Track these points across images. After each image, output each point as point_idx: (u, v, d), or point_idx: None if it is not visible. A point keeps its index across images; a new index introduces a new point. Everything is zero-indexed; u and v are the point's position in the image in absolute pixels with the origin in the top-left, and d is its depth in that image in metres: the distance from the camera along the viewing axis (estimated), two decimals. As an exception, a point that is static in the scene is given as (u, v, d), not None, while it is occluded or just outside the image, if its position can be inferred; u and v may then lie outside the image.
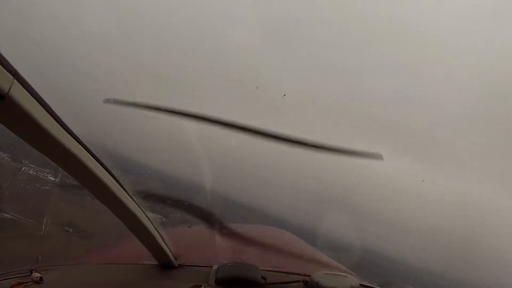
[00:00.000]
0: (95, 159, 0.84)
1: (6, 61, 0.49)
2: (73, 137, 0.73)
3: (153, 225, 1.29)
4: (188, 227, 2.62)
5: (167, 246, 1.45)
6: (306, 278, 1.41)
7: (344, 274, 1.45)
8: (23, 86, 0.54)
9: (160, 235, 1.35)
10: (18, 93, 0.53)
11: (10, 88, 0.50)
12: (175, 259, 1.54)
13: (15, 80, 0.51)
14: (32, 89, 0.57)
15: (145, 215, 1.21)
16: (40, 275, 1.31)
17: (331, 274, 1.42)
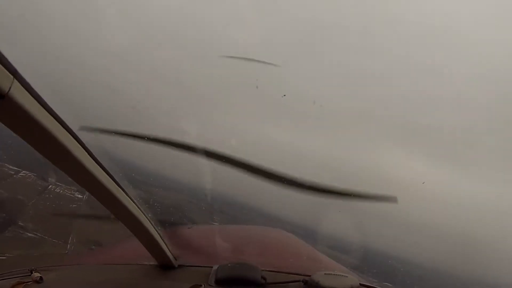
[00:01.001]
0: (94, 160, 0.84)
1: (6, 60, 0.49)
2: (72, 137, 0.73)
3: (153, 226, 1.29)
4: (188, 228, 2.62)
5: (167, 247, 1.45)
6: (306, 278, 1.41)
7: (344, 274, 1.45)
8: (23, 86, 0.54)
9: (159, 235, 1.35)
10: (18, 93, 0.53)
11: (10, 87, 0.50)
12: (175, 259, 1.54)
13: (15, 80, 0.51)
14: (32, 89, 0.57)
15: (145, 215, 1.21)
16: (40, 275, 1.31)
17: (331, 274, 1.42)
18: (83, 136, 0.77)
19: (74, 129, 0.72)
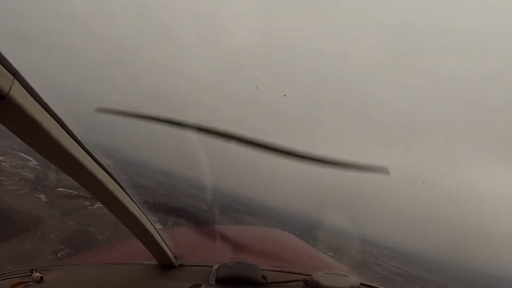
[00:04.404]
0: (94, 160, 0.84)
1: (6, 61, 0.49)
2: (72, 137, 0.73)
3: (153, 225, 1.29)
4: (189, 227, 2.62)
5: (167, 246, 1.46)
6: (307, 278, 1.41)
7: (344, 273, 1.45)
8: (23, 86, 0.54)
9: (160, 235, 1.35)
10: (18, 93, 0.53)
11: (10, 88, 0.50)
12: (176, 259, 1.54)
13: (15, 80, 0.51)
14: (32, 89, 0.57)
15: (145, 215, 1.21)
16: (40, 275, 1.31)
17: (331, 273, 1.42)
18: (83, 136, 0.77)
19: (74, 130, 0.72)
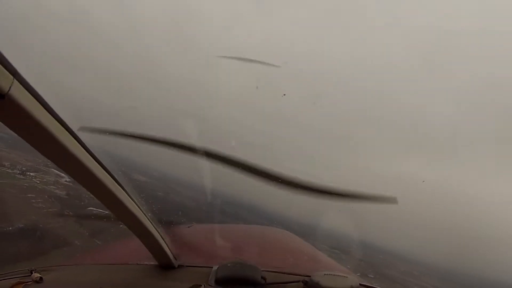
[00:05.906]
0: (94, 159, 0.84)
1: (6, 61, 0.49)
2: (72, 136, 0.73)
3: (153, 225, 1.29)
4: (188, 227, 2.62)
5: (167, 246, 1.45)
6: (306, 279, 1.41)
7: (344, 274, 1.45)
8: (23, 85, 0.54)
9: (160, 235, 1.35)
10: (18, 93, 0.53)
11: (10, 87, 0.51)
12: (175, 259, 1.54)
13: (15, 80, 0.52)
14: (32, 88, 0.57)
15: (145, 215, 1.21)
16: (40, 275, 1.31)
17: (331, 274, 1.42)
18: (83, 135, 0.77)
19: (74, 129, 0.72)
